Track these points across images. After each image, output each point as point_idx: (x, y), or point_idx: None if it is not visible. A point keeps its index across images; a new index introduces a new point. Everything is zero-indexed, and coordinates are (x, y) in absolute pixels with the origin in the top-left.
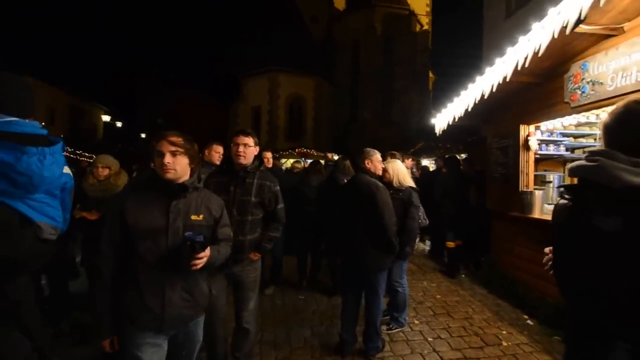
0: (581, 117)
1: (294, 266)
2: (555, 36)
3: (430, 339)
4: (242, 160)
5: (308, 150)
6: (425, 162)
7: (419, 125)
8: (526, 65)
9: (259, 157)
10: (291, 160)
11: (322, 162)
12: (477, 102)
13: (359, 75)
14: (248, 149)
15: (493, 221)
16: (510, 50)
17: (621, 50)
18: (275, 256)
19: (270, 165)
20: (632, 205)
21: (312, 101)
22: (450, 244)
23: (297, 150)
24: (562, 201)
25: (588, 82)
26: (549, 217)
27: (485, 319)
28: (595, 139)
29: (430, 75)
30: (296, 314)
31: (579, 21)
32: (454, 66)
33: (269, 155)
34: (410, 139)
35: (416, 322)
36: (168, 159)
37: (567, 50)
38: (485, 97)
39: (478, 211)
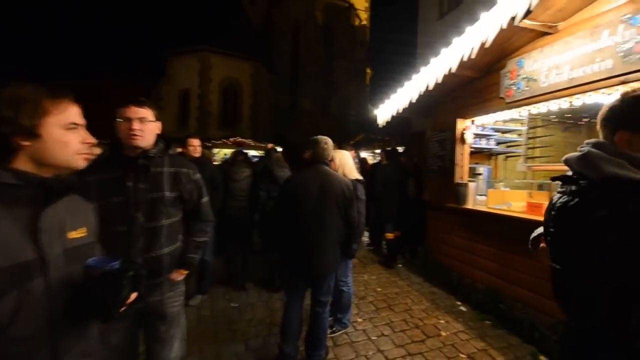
0: (514, 113)
1: (222, 267)
2: (504, 27)
3: (374, 338)
4: (140, 141)
5: (245, 140)
6: (364, 154)
7: (357, 118)
8: (473, 56)
9: (164, 140)
10: (226, 151)
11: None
12: (422, 93)
13: (300, 63)
14: (146, 125)
15: (429, 212)
16: (456, 41)
17: (555, 48)
18: (204, 260)
19: (197, 155)
20: (612, 197)
21: (249, 87)
22: (390, 235)
23: (231, 139)
24: (557, 195)
25: (523, 79)
26: (481, 208)
27: (424, 309)
28: (519, 134)
29: (367, 70)
30: (228, 326)
31: (527, 13)
32: (389, 62)
33: (195, 142)
34: (350, 131)
35: (359, 320)
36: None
37: (506, 47)
38: (430, 88)
39: (416, 203)
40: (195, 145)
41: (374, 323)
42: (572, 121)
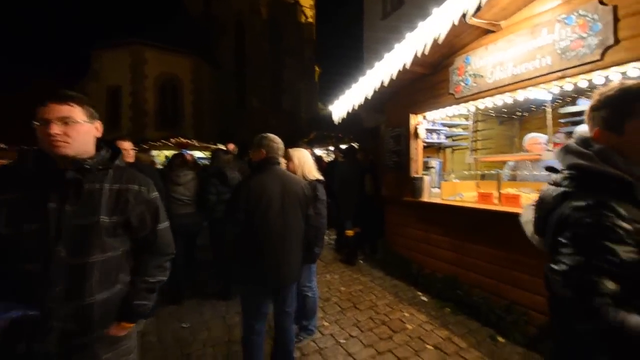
0: (462, 108)
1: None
2: (456, 23)
3: (342, 341)
4: (65, 149)
5: (188, 140)
6: (318, 152)
7: (309, 116)
8: (426, 52)
9: (108, 145)
10: (167, 152)
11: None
12: (377, 89)
13: (246, 59)
14: (73, 127)
15: (387, 207)
16: (409, 36)
17: (499, 45)
18: None
19: (130, 159)
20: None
21: (190, 83)
22: (350, 232)
23: (173, 140)
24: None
25: (470, 75)
26: (436, 200)
27: (388, 304)
28: (464, 128)
29: (316, 68)
30: (180, 351)
31: (478, 9)
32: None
33: (126, 145)
34: (302, 129)
35: (326, 323)
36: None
37: (454, 43)
38: (386, 84)
39: (373, 198)
40: (126, 149)
41: (341, 325)
42: (507, 115)
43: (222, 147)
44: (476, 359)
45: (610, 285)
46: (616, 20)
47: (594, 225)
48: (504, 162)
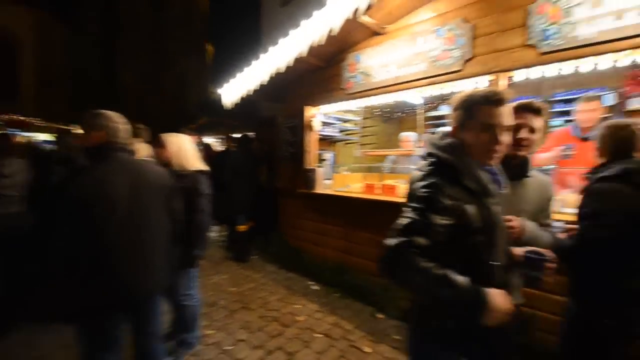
0: (353, 104)
1: None
2: (350, 17)
3: (228, 348)
4: None
5: (26, 119)
6: (208, 140)
7: (200, 99)
8: (322, 42)
9: None
10: None
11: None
12: (273, 76)
13: (119, 25)
14: None
15: (282, 199)
16: (304, 24)
17: (384, 47)
18: None
19: None
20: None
21: (32, 44)
22: (242, 228)
23: (4, 117)
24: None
25: (360, 72)
26: (327, 191)
27: (280, 298)
28: (355, 124)
29: (209, 47)
30: None
31: (368, 7)
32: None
33: None
34: (189, 114)
35: (210, 332)
36: None
37: (347, 39)
38: (283, 71)
39: (268, 191)
40: None
41: (228, 330)
42: (389, 115)
43: (78, 129)
44: (360, 338)
45: (422, 240)
46: (474, 37)
47: (424, 198)
48: (386, 156)
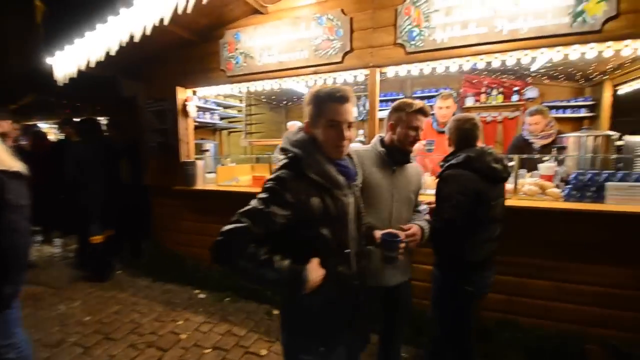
0: (235, 88)
1: None
2: None
3: None
4: None
5: None
6: (41, 126)
7: (25, 70)
8: (189, 10)
9: None
10: None
11: None
12: (125, 44)
13: None
14: None
15: (154, 199)
16: None
17: (266, 29)
18: None
19: None
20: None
21: None
22: (97, 239)
23: None
24: None
25: (241, 54)
26: (211, 187)
27: (157, 318)
28: (239, 111)
29: (38, 2)
30: None
31: None
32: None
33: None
34: (9, 89)
35: None
36: None
37: (223, 13)
38: (137, 39)
39: (133, 189)
40: None
41: None
42: (276, 102)
43: None
44: (255, 341)
45: (255, 228)
46: (352, 31)
47: (267, 189)
48: (275, 146)
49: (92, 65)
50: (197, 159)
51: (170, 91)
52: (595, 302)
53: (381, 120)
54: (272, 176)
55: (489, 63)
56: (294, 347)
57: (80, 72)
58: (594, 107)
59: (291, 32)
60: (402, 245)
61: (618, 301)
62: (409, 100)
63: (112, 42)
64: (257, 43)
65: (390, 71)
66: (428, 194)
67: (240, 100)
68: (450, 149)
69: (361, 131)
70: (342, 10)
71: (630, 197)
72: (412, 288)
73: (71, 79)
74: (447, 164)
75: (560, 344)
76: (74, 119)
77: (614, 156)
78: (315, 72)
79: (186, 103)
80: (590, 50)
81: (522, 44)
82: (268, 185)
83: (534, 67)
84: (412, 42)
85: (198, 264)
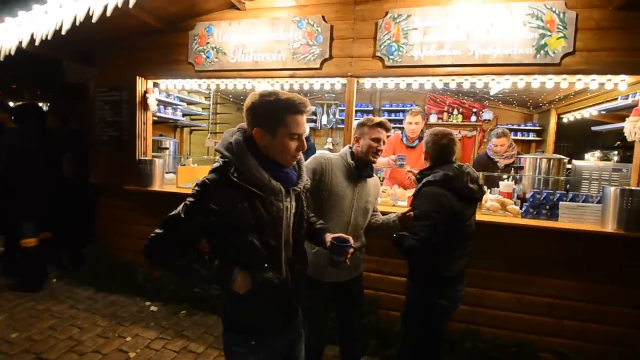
0: (203, 84)
1: None
2: None
3: None
4: None
5: None
6: None
7: None
8: None
9: None
10: None
11: None
12: (78, 24)
13: None
14: None
15: (100, 199)
16: None
17: (242, 26)
18: None
19: None
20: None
21: None
22: (30, 242)
23: None
24: None
25: (213, 48)
26: (170, 188)
27: (100, 333)
28: (203, 108)
29: None
30: None
31: None
32: None
33: None
34: None
35: None
36: None
37: (196, 3)
38: (95, 19)
39: (76, 187)
40: None
41: None
42: (243, 103)
43: None
44: (216, 358)
45: (180, 232)
46: (332, 39)
47: (193, 195)
48: None
49: (37, 43)
50: (154, 157)
51: (129, 80)
52: (548, 313)
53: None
54: (199, 181)
55: (459, 84)
56: (228, 340)
57: (20, 50)
58: (541, 132)
59: (269, 32)
60: (351, 250)
61: (567, 311)
62: (371, 117)
63: (65, 19)
64: (232, 39)
65: (367, 83)
66: (400, 206)
67: (206, 98)
68: (427, 163)
69: (329, 139)
70: (323, 17)
71: (579, 216)
72: (380, 299)
73: (7, 57)
74: (424, 180)
75: (517, 352)
76: (10, 103)
77: (562, 178)
78: (293, 76)
79: (147, 95)
80: (549, 81)
81: (491, 69)
82: (193, 192)
83: (492, 92)
84: (391, 57)
85: (150, 272)
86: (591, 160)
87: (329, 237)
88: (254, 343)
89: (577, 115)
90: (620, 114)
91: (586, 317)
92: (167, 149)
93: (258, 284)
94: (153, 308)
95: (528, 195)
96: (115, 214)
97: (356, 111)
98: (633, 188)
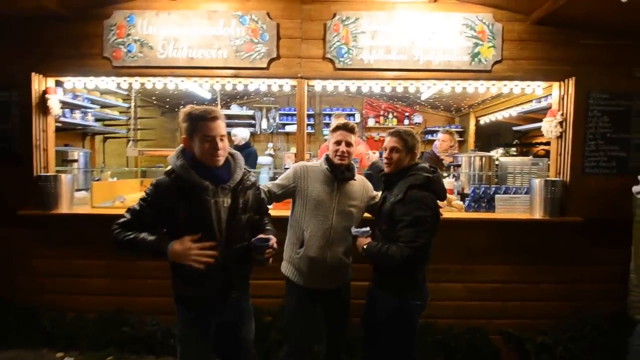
0: (123, 83)
1: None
2: None
3: None
4: None
5: None
6: None
7: None
8: None
9: None
10: None
11: None
12: None
13: None
14: None
15: None
16: None
17: (173, 18)
18: None
19: None
20: None
21: None
22: None
23: None
24: None
25: (136, 41)
26: (83, 210)
27: None
28: (120, 112)
29: None
30: None
31: None
32: None
33: None
34: None
35: None
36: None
37: None
38: None
39: None
40: None
41: None
42: (169, 106)
43: None
44: None
45: (133, 221)
46: (279, 37)
47: (145, 192)
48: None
49: None
50: (59, 171)
51: (21, 76)
52: (494, 297)
53: (289, 134)
54: (154, 181)
55: (405, 88)
56: (177, 311)
57: None
58: (463, 133)
59: (206, 27)
60: (269, 250)
61: (510, 294)
62: (339, 120)
63: None
64: (160, 32)
65: (318, 85)
66: None
67: (124, 100)
68: (407, 161)
69: (270, 144)
70: (268, 14)
71: (512, 206)
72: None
73: None
74: (407, 185)
75: (470, 338)
76: None
77: (490, 173)
78: (236, 76)
79: (46, 96)
80: (481, 86)
81: (434, 74)
82: (146, 189)
83: (424, 97)
84: (342, 59)
85: (61, 315)
86: (496, 155)
87: (253, 239)
88: (193, 315)
89: (492, 117)
90: (532, 116)
91: (525, 296)
92: (75, 161)
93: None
94: (68, 359)
95: (469, 191)
96: (5, 246)
97: (292, 115)
98: (554, 179)
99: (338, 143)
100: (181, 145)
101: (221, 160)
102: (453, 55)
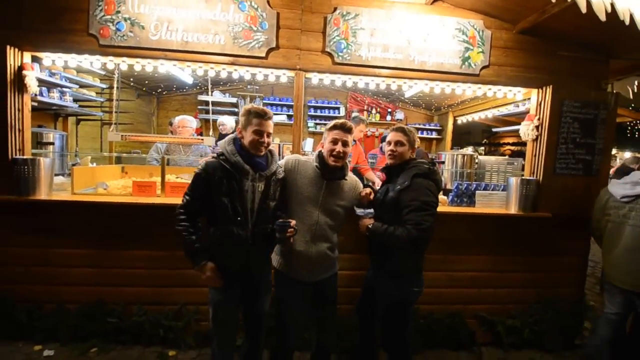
0: (110, 62)
1: None
2: None
3: None
4: None
5: None
6: None
7: None
8: None
9: None
10: None
11: None
12: None
13: None
14: None
15: None
16: None
17: None
18: None
19: None
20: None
21: None
22: None
23: None
24: None
25: (126, 19)
26: (63, 196)
27: None
28: (97, 92)
29: None
30: None
31: None
32: None
33: None
34: None
35: None
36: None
37: None
38: None
39: None
40: None
41: None
42: (147, 89)
43: None
44: None
45: (189, 207)
46: (279, 27)
47: (196, 171)
48: (146, 143)
49: None
50: (35, 154)
51: None
52: (471, 285)
53: (284, 125)
54: (202, 162)
55: (399, 86)
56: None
57: None
58: (441, 132)
59: (203, 10)
60: (290, 230)
61: (484, 282)
62: (337, 120)
63: None
64: (153, 12)
65: (315, 78)
66: None
67: (101, 79)
68: (409, 154)
69: None
70: (268, 2)
71: (490, 201)
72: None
73: None
74: (413, 174)
75: (449, 322)
76: None
77: (470, 170)
78: (233, 64)
79: (24, 72)
80: (469, 89)
81: (427, 75)
82: (196, 170)
83: (407, 94)
84: (340, 54)
85: (38, 307)
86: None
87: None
88: (222, 285)
89: (469, 118)
90: (506, 118)
91: (497, 284)
92: (51, 144)
93: (222, 232)
94: (48, 352)
95: (453, 186)
96: None
97: (282, 105)
98: (529, 178)
99: (334, 142)
100: (233, 134)
101: (264, 151)
102: (446, 58)
